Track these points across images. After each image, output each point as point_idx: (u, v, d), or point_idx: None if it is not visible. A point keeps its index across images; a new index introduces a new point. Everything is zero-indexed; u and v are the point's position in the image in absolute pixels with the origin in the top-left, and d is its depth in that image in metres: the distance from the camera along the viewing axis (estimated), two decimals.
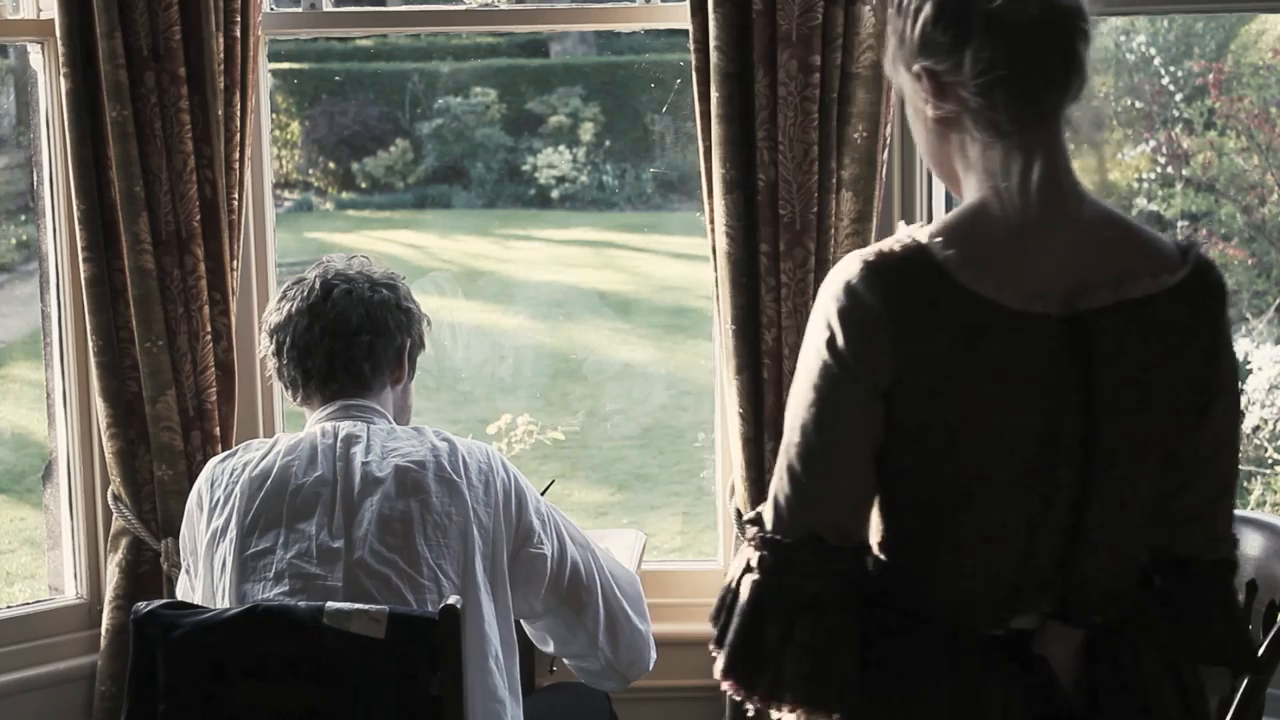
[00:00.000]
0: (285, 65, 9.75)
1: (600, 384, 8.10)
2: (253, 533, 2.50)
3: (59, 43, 3.23)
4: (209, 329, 3.32)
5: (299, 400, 2.71)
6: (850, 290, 1.76)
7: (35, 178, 3.50)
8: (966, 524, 1.80)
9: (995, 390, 1.75)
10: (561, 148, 9.57)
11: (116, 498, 3.37)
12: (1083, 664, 1.83)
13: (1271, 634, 2.43)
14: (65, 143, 3.27)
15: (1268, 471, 4.98)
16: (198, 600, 2.56)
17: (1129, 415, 1.78)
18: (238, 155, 3.31)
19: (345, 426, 2.59)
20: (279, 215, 5.72)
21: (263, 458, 2.57)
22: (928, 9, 1.79)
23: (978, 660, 1.80)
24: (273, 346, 2.70)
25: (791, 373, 2.93)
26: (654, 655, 2.78)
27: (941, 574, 1.82)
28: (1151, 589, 1.92)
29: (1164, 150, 6.67)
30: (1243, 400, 4.93)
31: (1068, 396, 1.76)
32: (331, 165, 10.04)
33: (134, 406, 3.33)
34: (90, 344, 3.32)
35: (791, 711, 1.80)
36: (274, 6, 3.58)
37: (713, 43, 3.17)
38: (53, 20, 3.26)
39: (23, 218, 7.51)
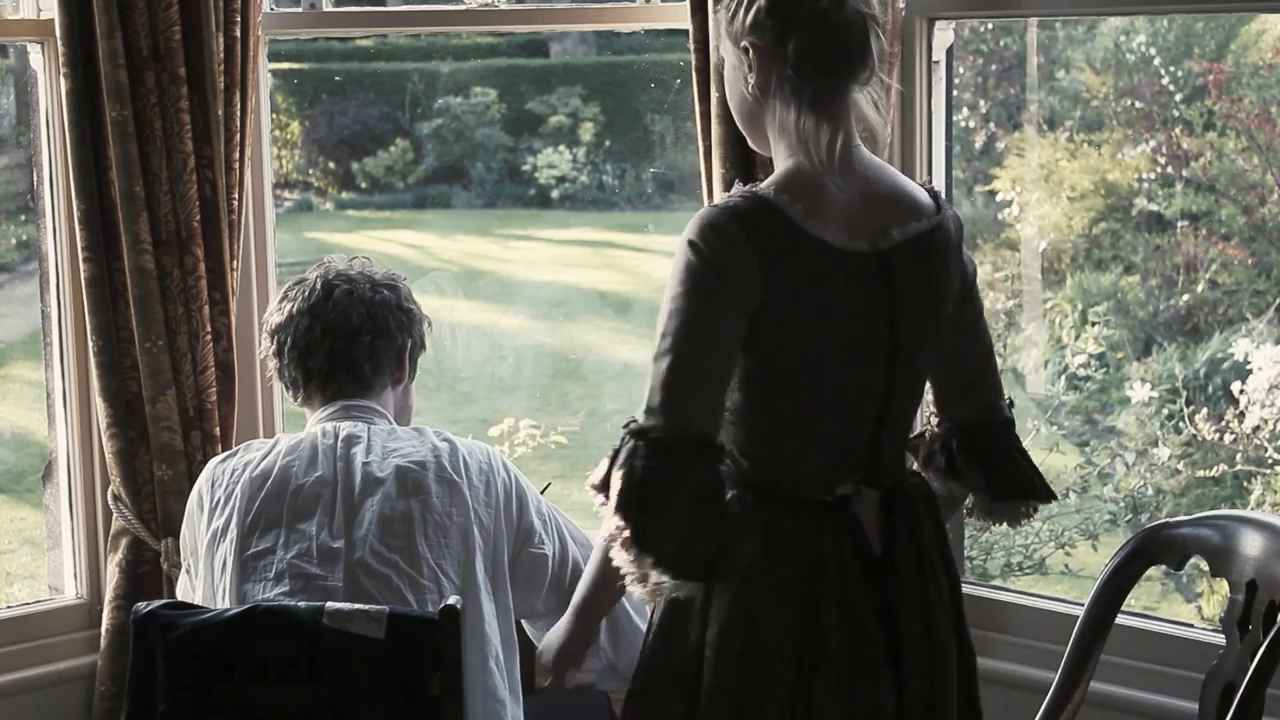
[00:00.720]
0: (285, 65, 9.76)
1: (600, 384, 8.10)
2: (253, 533, 2.50)
3: (59, 43, 3.23)
4: (209, 329, 3.32)
5: (300, 400, 2.71)
6: (717, 226, 2.15)
7: (35, 178, 3.50)
8: (808, 419, 2.24)
9: (836, 314, 2.21)
10: (561, 148, 9.58)
11: (116, 498, 3.37)
12: (883, 519, 2.30)
13: (1272, 634, 2.43)
14: (65, 143, 3.27)
15: (1268, 471, 4.98)
16: (198, 600, 2.57)
17: (918, 320, 2.27)
18: (238, 155, 3.31)
19: (346, 427, 2.59)
20: (279, 215, 5.73)
21: (263, 458, 2.57)
22: (762, 0, 2.22)
23: (815, 523, 2.25)
24: (274, 347, 2.70)
25: None
26: None
27: (786, 458, 2.25)
28: (932, 453, 2.45)
29: (1164, 150, 6.67)
30: (1243, 400, 4.95)
31: (880, 313, 2.23)
32: (331, 165, 10.05)
33: (134, 406, 3.33)
34: (90, 344, 3.32)
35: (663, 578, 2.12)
36: (274, 6, 3.58)
37: (713, 43, 3.16)
38: (53, 20, 3.26)
39: (23, 218, 7.51)
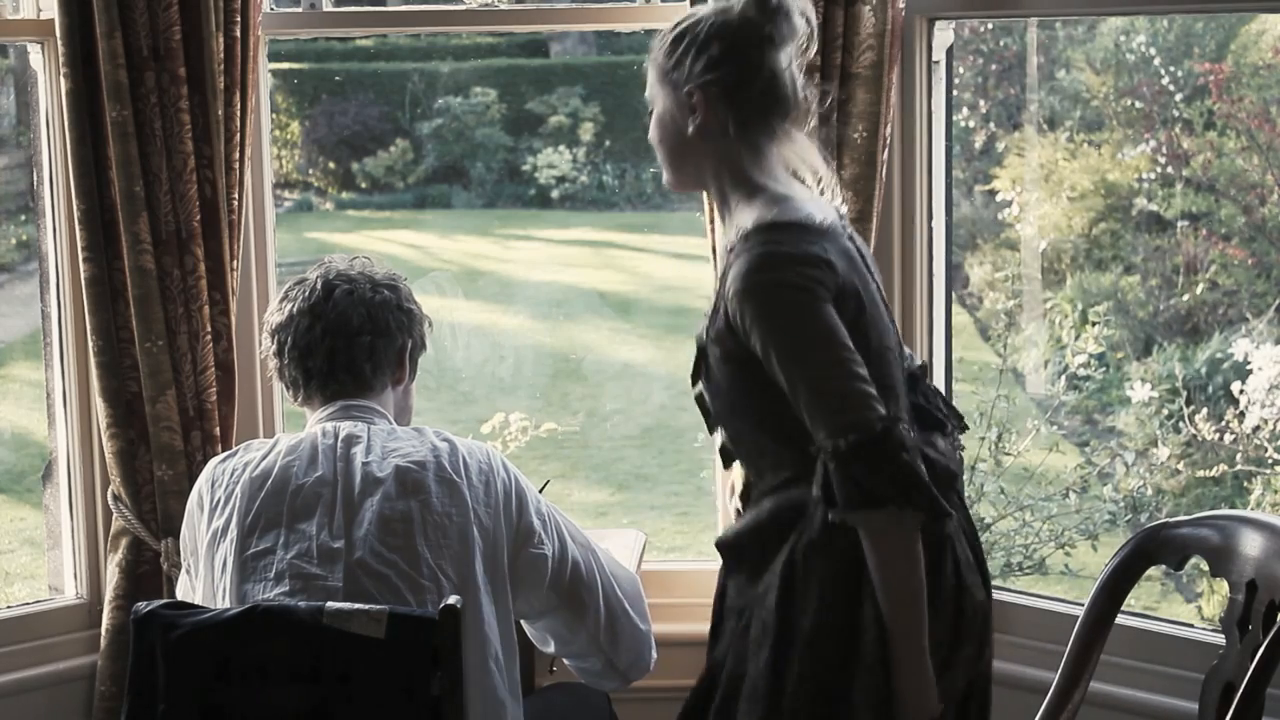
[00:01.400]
0: (285, 65, 9.76)
1: (600, 384, 8.11)
2: (253, 533, 2.50)
3: (59, 43, 3.23)
4: (209, 329, 3.32)
5: (300, 400, 2.71)
6: (803, 250, 2.35)
7: (35, 178, 3.50)
8: (894, 384, 2.45)
9: (878, 300, 2.47)
10: (561, 148, 9.58)
11: (116, 498, 3.37)
12: None
13: (1271, 634, 2.43)
14: (65, 143, 3.27)
15: (1268, 471, 4.98)
16: (198, 600, 2.56)
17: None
18: (238, 155, 3.31)
19: (346, 427, 2.59)
20: (279, 215, 5.73)
21: (263, 458, 2.57)
22: (715, 49, 2.41)
23: None
24: (274, 346, 2.70)
25: None
26: (654, 655, 2.78)
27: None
28: None
29: (1164, 150, 6.68)
30: (1243, 400, 4.95)
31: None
32: (331, 165, 10.05)
33: (134, 406, 3.33)
34: (90, 344, 3.32)
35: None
36: (274, 6, 3.58)
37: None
38: (53, 20, 3.26)
39: (23, 218, 7.51)
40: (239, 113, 3.29)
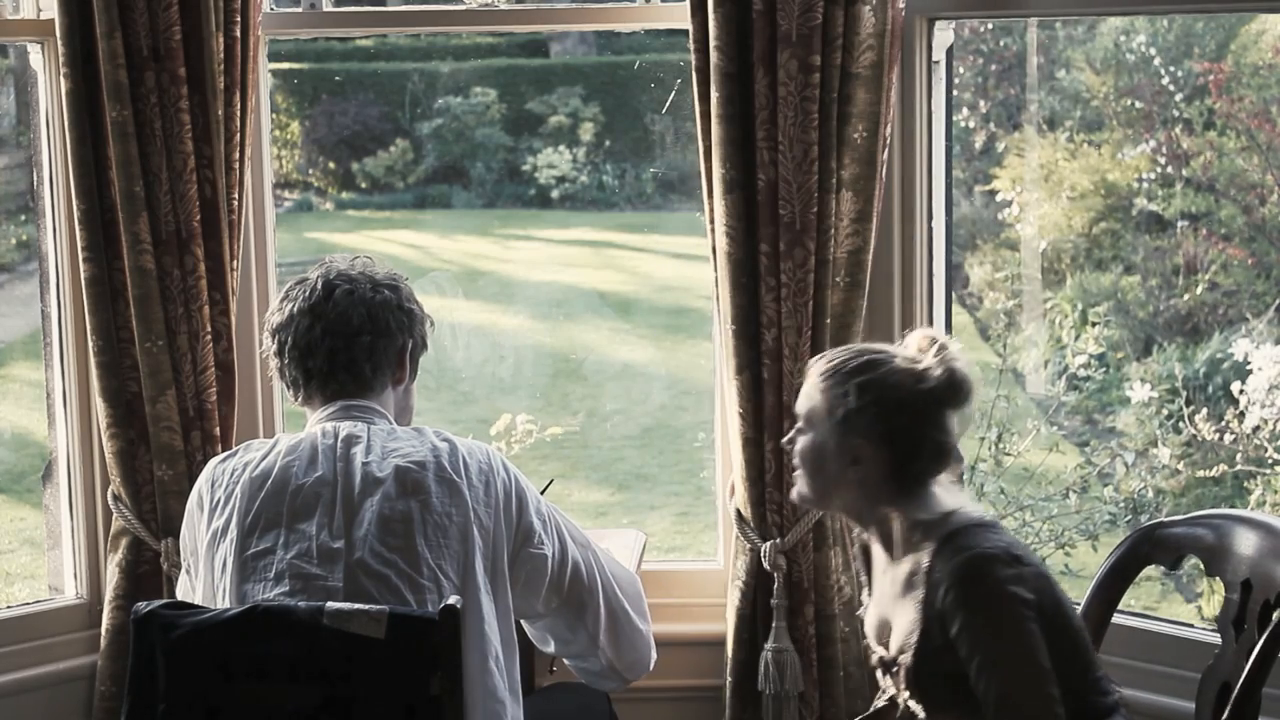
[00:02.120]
0: (285, 65, 9.75)
1: (600, 384, 8.10)
2: (253, 533, 2.50)
3: (59, 43, 3.23)
4: (209, 329, 3.32)
5: (300, 400, 2.71)
6: (1023, 570, 2.39)
7: (35, 178, 3.50)
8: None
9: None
10: (561, 148, 9.57)
11: (116, 498, 3.37)
12: None
13: (1267, 633, 2.43)
14: (65, 143, 3.27)
15: (1268, 471, 4.98)
16: (198, 600, 2.57)
17: None
18: (238, 155, 3.31)
19: (346, 427, 2.59)
20: (279, 215, 5.73)
21: (263, 458, 2.57)
22: (899, 420, 2.44)
23: None
24: (274, 346, 2.70)
25: (791, 373, 3.07)
26: (654, 655, 2.78)
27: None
28: None
29: (1164, 150, 6.68)
30: (1243, 400, 4.95)
31: None
32: (331, 165, 10.04)
33: (134, 406, 3.33)
34: (90, 344, 3.32)
35: None
36: (274, 6, 3.58)
37: (713, 43, 3.17)
38: (53, 20, 3.26)
39: (23, 218, 7.51)
40: (239, 113, 3.29)
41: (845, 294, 3.27)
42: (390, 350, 2.67)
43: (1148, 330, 6.45)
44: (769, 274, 3.23)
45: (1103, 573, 2.75)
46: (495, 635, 2.52)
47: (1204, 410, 5.22)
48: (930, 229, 3.43)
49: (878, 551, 2.57)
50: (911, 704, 2.49)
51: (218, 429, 3.36)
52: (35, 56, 3.42)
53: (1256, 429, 4.94)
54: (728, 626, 3.40)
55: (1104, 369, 5.62)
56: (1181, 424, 5.29)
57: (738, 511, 3.37)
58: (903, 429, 2.45)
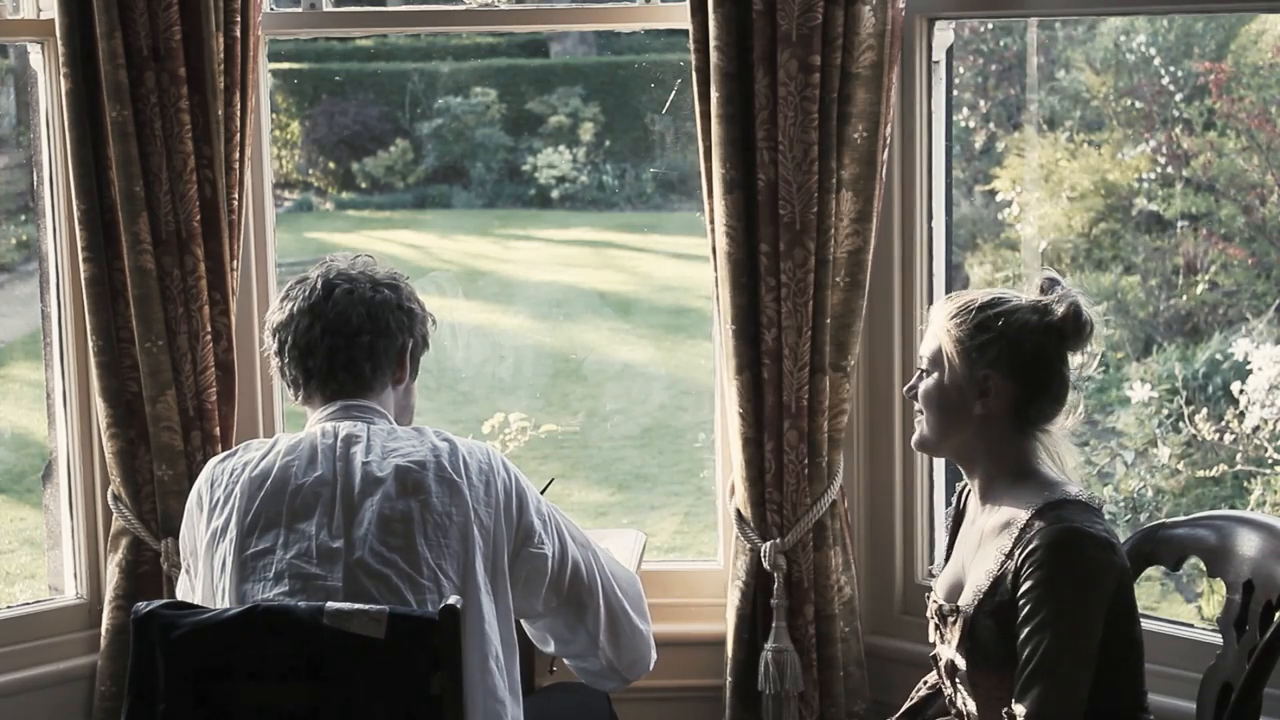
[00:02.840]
0: (285, 65, 9.75)
1: (600, 384, 8.10)
2: (252, 533, 2.50)
3: (59, 43, 3.23)
4: (209, 329, 3.32)
5: (300, 399, 2.71)
6: (1114, 560, 2.44)
7: (35, 178, 3.50)
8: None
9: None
10: (561, 148, 9.57)
11: (116, 498, 3.37)
12: None
13: (1268, 634, 2.43)
14: (65, 143, 3.27)
15: (1268, 471, 4.98)
16: (198, 600, 2.56)
17: None
18: (238, 155, 3.31)
19: (345, 426, 2.59)
20: (279, 215, 5.72)
21: (263, 458, 2.57)
22: (1027, 351, 2.52)
23: None
24: (275, 345, 2.70)
25: (790, 372, 3.06)
26: (654, 655, 2.78)
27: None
28: None
29: (1164, 150, 6.67)
30: (1243, 400, 4.95)
31: None
32: (331, 165, 10.04)
33: (134, 406, 3.33)
34: (90, 344, 3.32)
35: None
36: (274, 6, 3.58)
37: (713, 43, 3.17)
38: (53, 20, 3.26)
39: (23, 218, 7.51)
40: (239, 113, 3.29)
41: (845, 294, 3.27)
42: (390, 350, 2.67)
43: (1148, 330, 6.45)
44: (769, 274, 3.23)
45: None
46: (495, 635, 2.51)
47: (1204, 410, 5.22)
48: (930, 229, 3.43)
49: (973, 503, 2.63)
50: (957, 657, 2.51)
51: (218, 429, 3.36)
52: (35, 56, 3.42)
53: (1256, 429, 4.94)
54: (728, 626, 3.41)
55: (1104, 369, 5.62)
56: (1181, 424, 5.29)
57: (738, 511, 3.37)
58: (1030, 360, 2.51)
